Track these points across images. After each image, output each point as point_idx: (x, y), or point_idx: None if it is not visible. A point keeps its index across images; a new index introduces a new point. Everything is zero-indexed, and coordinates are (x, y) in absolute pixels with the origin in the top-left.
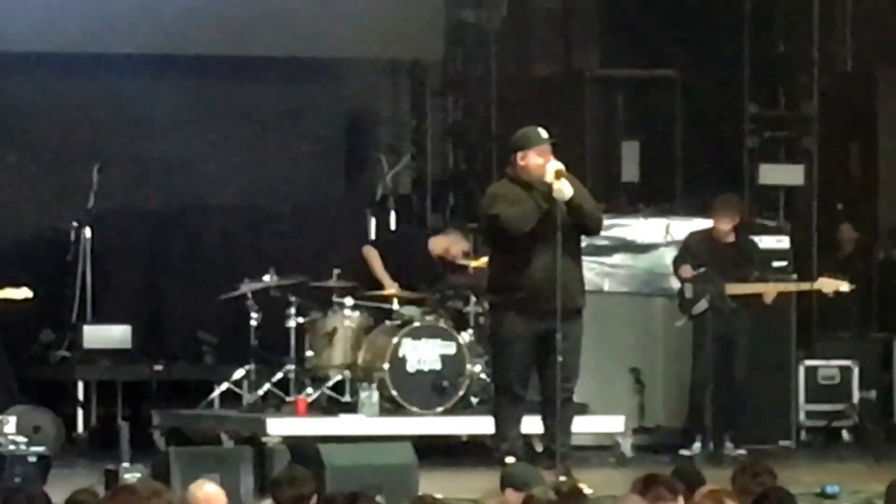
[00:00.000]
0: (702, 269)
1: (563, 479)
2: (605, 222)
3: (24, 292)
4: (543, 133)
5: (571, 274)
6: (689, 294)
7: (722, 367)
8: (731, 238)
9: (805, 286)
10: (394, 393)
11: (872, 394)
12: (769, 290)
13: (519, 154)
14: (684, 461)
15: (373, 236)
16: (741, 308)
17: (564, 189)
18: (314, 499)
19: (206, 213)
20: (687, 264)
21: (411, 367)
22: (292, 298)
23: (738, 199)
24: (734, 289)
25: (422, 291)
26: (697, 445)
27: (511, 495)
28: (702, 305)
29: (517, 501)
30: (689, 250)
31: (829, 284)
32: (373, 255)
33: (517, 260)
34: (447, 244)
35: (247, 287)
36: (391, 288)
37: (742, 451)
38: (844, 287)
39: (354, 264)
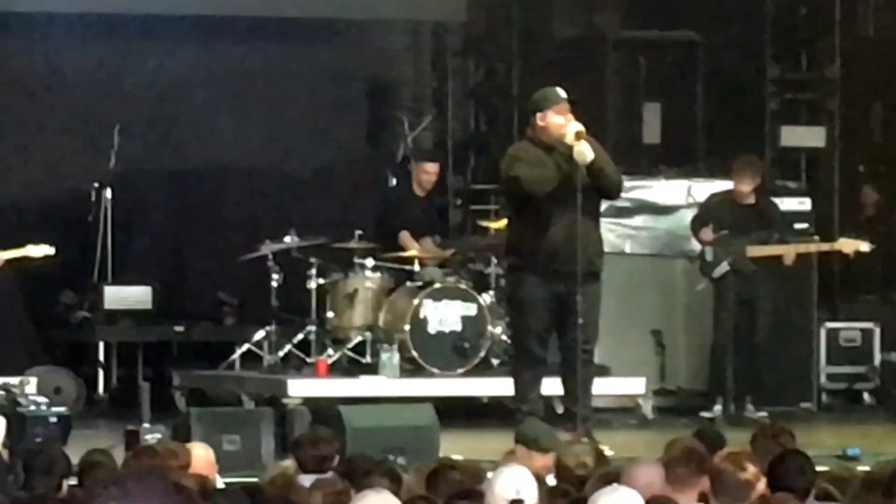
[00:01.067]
0: (723, 232)
1: (584, 440)
2: (627, 184)
3: (44, 249)
4: (562, 92)
5: (590, 237)
6: (709, 257)
7: (743, 330)
8: (752, 200)
9: (825, 246)
10: (414, 354)
11: (894, 357)
12: (789, 252)
13: (538, 115)
14: (706, 423)
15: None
16: (762, 270)
17: (586, 152)
18: (336, 459)
19: (226, 174)
20: (707, 227)
21: (432, 328)
22: (313, 260)
23: (759, 161)
24: (755, 251)
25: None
26: (718, 408)
27: (521, 451)
28: (723, 268)
29: (528, 457)
30: (710, 213)
31: (849, 244)
32: (408, 240)
33: (536, 222)
34: (415, 251)
35: (268, 248)
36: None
37: (763, 414)
38: (865, 247)
39: (375, 223)
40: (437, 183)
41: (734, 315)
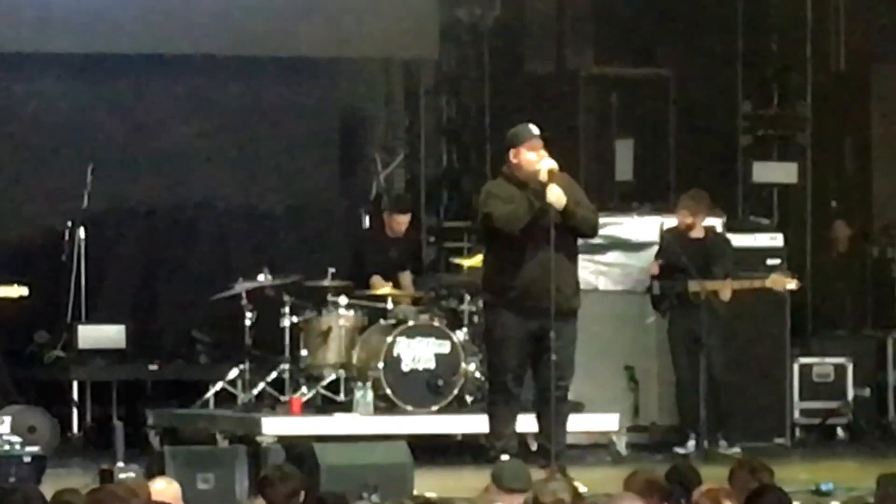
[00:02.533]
0: (671, 267)
1: (558, 477)
2: (600, 220)
3: (18, 290)
4: (534, 129)
5: (566, 274)
6: (656, 291)
7: (700, 364)
8: (700, 234)
9: (757, 284)
10: (388, 392)
11: (867, 391)
12: (724, 288)
13: (511, 151)
14: (680, 459)
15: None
16: (707, 305)
17: (558, 195)
18: (302, 495)
19: (200, 212)
20: (657, 261)
21: (406, 365)
22: (287, 298)
23: (705, 195)
24: (695, 286)
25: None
26: (692, 444)
27: (495, 490)
28: (669, 303)
29: (502, 497)
30: (662, 247)
31: (778, 282)
32: (379, 283)
33: (511, 259)
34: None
35: (241, 286)
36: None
37: (736, 450)
38: (792, 285)
39: (349, 263)
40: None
41: (689, 350)
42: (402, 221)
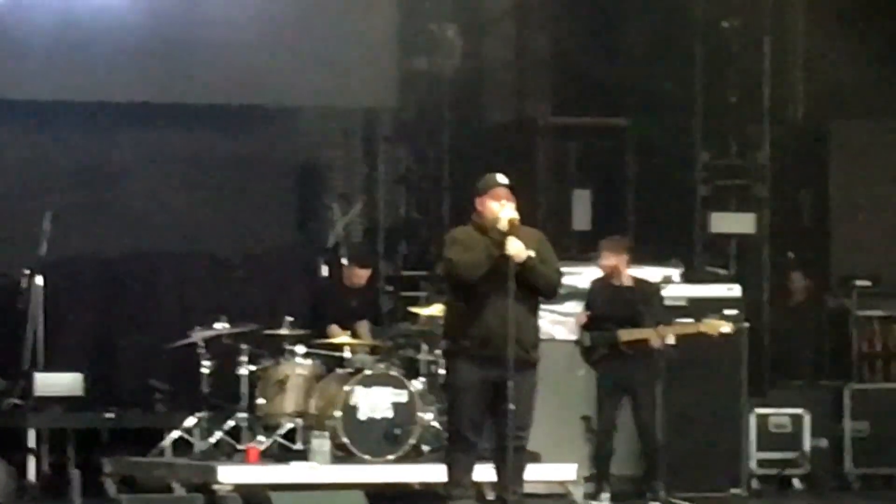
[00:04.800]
0: (599, 316)
1: None
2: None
3: None
4: (501, 178)
5: (525, 326)
6: (586, 342)
7: (629, 414)
8: (629, 282)
9: (690, 329)
10: (345, 441)
11: (824, 442)
12: (655, 335)
13: (477, 200)
14: None
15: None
16: (638, 354)
17: (517, 249)
18: None
19: (158, 260)
20: (584, 311)
21: (363, 414)
22: (244, 346)
23: (625, 240)
24: (624, 334)
25: (374, 337)
26: (606, 496)
27: None
28: (600, 353)
29: None
30: (589, 296)
31: (712, 326)
32: (336, 332)
33: (471, 307)
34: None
35: (198, 335)
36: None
37: (654, 502)
38: (726, 328)
39: (307, 312)
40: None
41: (617, 400)
42: (361, 275)
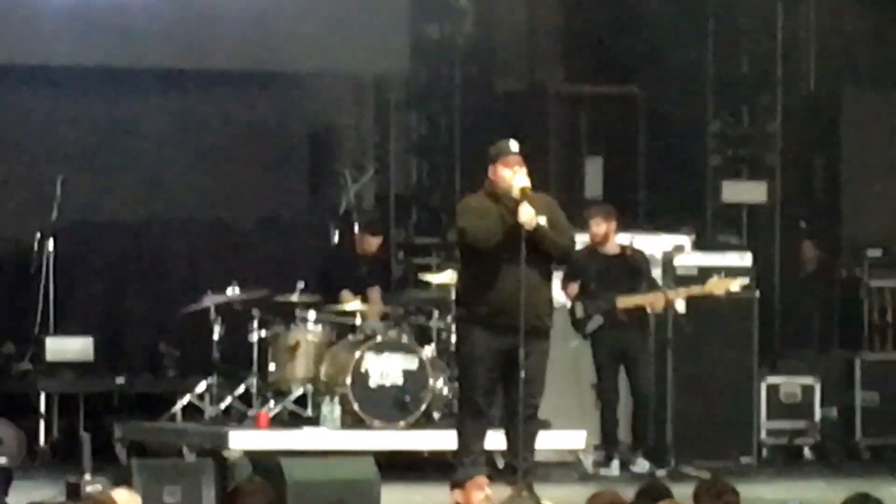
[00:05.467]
0: (591, 286)
1: (525, 494)
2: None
3: None
4: (513, 145)
5: (538, 293)
6: (579, 313)
7: (627, 383)
8: (617, 250)
9: (695, 291)
10: (356, 407)
11: (834, 412)
12: (657, 300)
13: (490, 167)
14: (653, 478)
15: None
16: (634, 321)
17: (529, 215)
18: None
19: (169, 226)
20: (574, 282)
21: (373, 381)
22: (255, 312)
23: (612, 209)
24: (624, 302)
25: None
26: (615, 464)
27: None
28: (596, 322)
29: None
30: (576, 267)
31: (718, 286)
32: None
33: (484, 275)
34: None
35: (210, 300)
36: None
37: (659, 469)
38: (735, 286)
39: (318, 278)
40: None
41: (616, 368)
42: (373, 242)
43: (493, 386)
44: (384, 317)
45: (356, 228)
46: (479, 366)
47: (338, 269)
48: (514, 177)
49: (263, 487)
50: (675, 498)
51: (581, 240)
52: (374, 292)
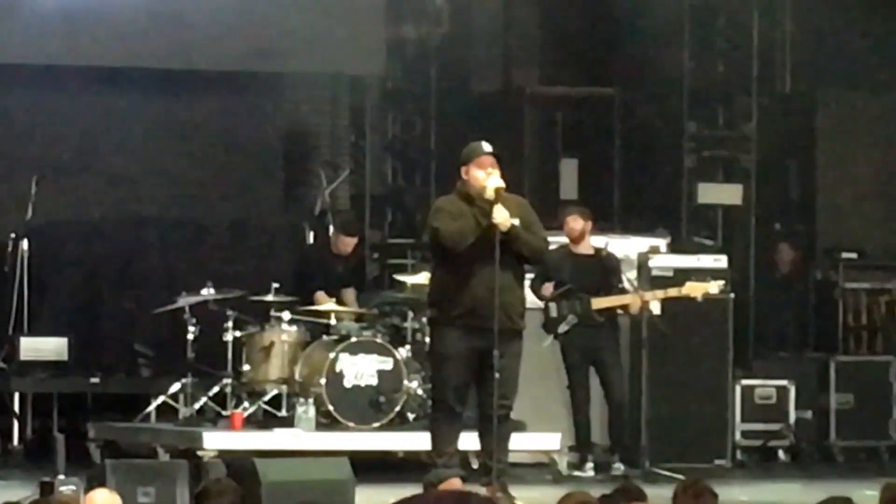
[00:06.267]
0: (566, 286)
1: (499, 495)
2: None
3: None
4: (486, 146)
5: (511, 294)
6: (553, 313)
7: (599, 384)
8: (590, 251)
9: (672, 292)
10: (330, 408)
11: (808, 414)
12: (635, 301)
13: (462, 168)
14: (627, 480)
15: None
16: (605, 323)
17: (503, 217)
18: None
19: (144, 226)
20: (548, 283)
21: (348, 382)
22: (230, 312)
23: (587, 209)
24: (599, 303)
25: (360, 305)
26: (589, 465)
27: None
28: (570, 322)
29: None
30: (549, 268)
31: (696, 288)
32: (323, 299)
33: (457, 276)
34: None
35: (184, 300)
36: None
37: (634, 471)
38: (714, 288)
39: (292, 278)
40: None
41: (586, 370)
42: (349, 243)
43: (466, 387)
44: (359, 318)
45: (331, 229)
46: (452, 367)
47: (312, 270)
48: (487, 178)
49: (231, 488)
50: (648, 500)
51: (555, 240)
52: (349, 293)
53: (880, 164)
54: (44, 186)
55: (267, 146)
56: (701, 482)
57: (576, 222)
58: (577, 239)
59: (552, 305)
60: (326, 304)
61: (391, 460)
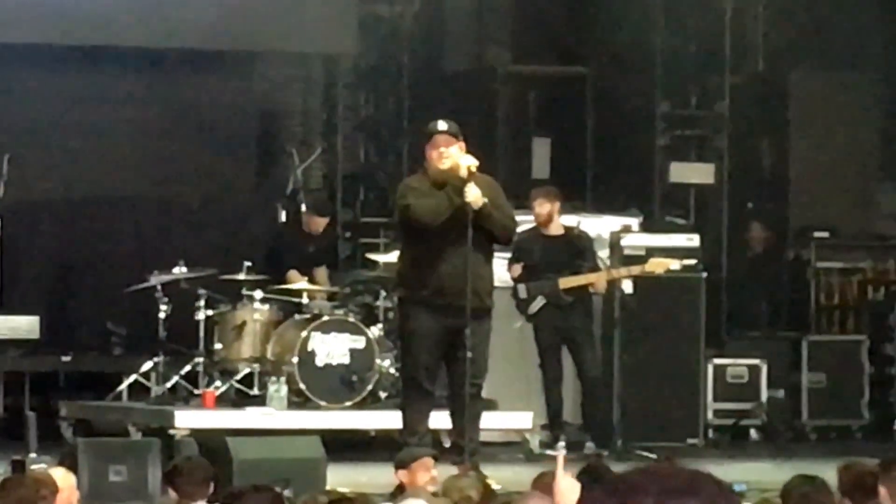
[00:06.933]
0: (535, 267)
1: (471, 474)
2: (517, 218)
3: None
4: (441, 125)
5: (480, 273)
6: (522, 294)
7: (573, 364)
8: (560, 231)
9: (636, 270)
10: (302, 386)
11: (780, 393)
12: (600, 279)
13: (426, 148)
14: (593, 458)
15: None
16: (577, 303)
17: (475, 196)
18: (211, 486)
19: (116, 204)
20: (517, 264)
21: (320, 360)
22: (202, 291)
23: (556, 190)
24: (567, 282)
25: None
26: (561, 444)
27: (403, 475)
28: (538, 303)
29: (412, 477)
30: (519, 249)
31: (658, 265)
32: (295, 277)
33: (426, 255)
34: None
35: (156, 279)
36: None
37: (606, 451)
38: (675, 265)
39: (264, 257)
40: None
41: (558, 349)
42: (320, 223)
43: (436, 366)
44: (331, 297)
45: (303, 208)
46: (422, 346)
47: (284, 249)
48: (440, 158)
49: (202, 465)
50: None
51: (525, 220)
52: (321, 272)
53: (853, 143)
54: (15, 166)
55: (239, 125)
56: (673, 461)
57: (542, 206)
58: (544, 223)
59: (521, 286)
60: (298, 283)
61: (363, 439)
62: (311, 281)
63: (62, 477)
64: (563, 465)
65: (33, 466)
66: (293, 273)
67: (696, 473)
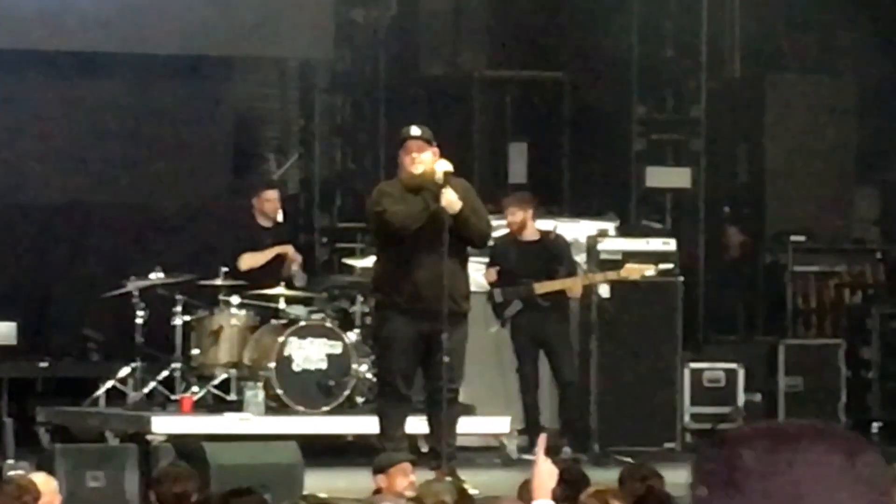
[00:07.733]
0: (510, 272)
1: (448, 479)
2: (493, 223)
3: None
4: (413, 130)
5: (456, 278)
6: (498, 298)
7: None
8: (535, 236)
9: (612, 276)
10: (279, 392)
11: (757, 397)
12: (575, 285)
13: (399, 153)
14: (569, 463)
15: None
16: (553, 307)
17: (452, 200)
18: (195, 496)
19: (92, 210)
20: (493, 268)
21: (297, 366)
22: (178, 296)
23: (529, 195)
24: (542, 287)
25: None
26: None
27: (381, 480)
28: (514, 308)
29: (390, 482)
30: (496, 254)
31: (634, 271)
32: (249, 259)
33: (402, 260)
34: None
35: (133, 285)
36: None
37: (583, 456)
38: (650, 271)
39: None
40: (284, 213)
41: (535, 354)
42: (271, 197)
43: (413, 371)
44: (308, 301)
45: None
46: (399, 350)
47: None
48: (412, 163)
49: (188, 473)
50: (593, 484)
51: (501, 225)
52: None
53: (829, 147)
54: None
55: (216, 130)
56: (647, 465)
57: (514, 215)
58: (518, 230)
59: (497, 291)
60: (249, 263)
61: (340, 444)
62: (282, 258)
63: (44, 482)
64: (544, 448)
65: (10, 472)
66: (245, 256)
67: (810, 422)
